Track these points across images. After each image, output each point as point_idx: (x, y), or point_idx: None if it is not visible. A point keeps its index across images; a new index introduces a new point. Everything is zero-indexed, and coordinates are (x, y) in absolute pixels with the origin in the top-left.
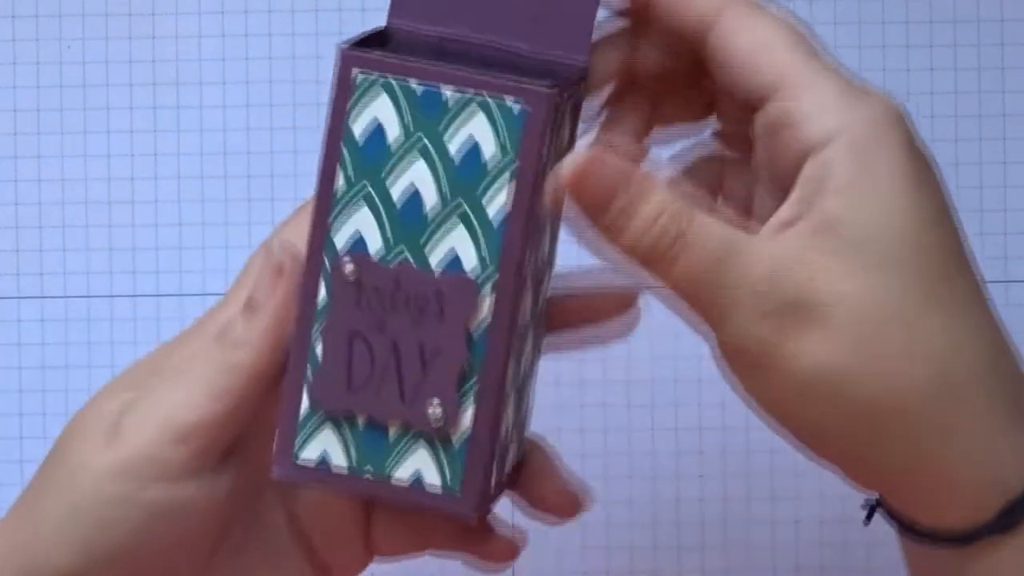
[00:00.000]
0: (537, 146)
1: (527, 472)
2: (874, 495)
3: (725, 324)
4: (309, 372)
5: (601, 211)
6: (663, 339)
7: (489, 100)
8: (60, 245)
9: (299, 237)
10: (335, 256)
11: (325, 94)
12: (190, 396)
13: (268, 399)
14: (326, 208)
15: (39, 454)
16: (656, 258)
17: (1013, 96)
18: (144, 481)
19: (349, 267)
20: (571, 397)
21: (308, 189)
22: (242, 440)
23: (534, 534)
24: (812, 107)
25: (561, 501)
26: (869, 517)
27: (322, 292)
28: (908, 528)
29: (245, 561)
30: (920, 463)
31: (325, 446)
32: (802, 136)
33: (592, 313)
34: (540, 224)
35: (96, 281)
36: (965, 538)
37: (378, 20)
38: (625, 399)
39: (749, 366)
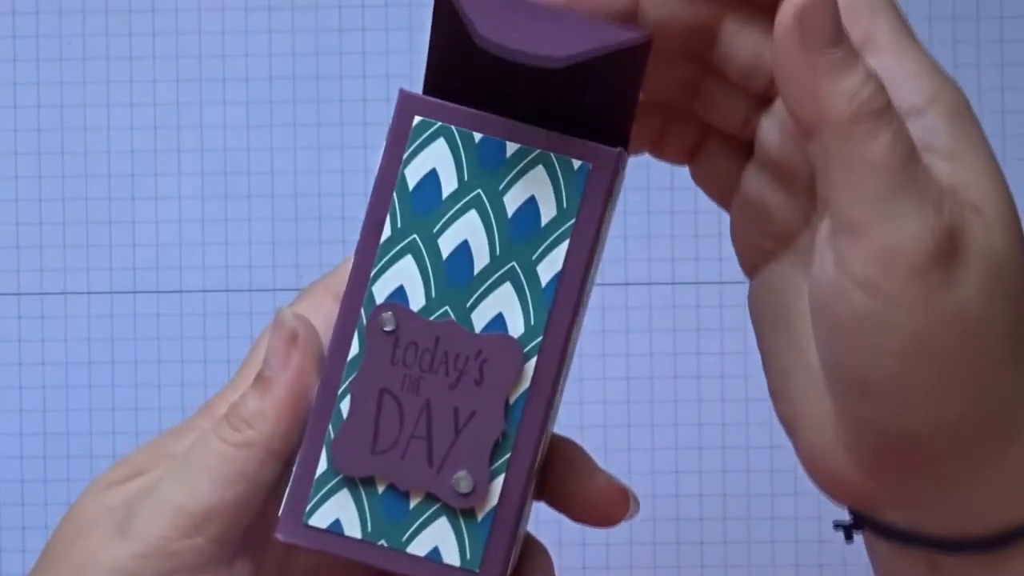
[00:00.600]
0: (599, 207)
1: (562, 473)
2: (843, 511)
3: (895, 221)
4: (331, 431)
5: (830, 44)
6: (663, 336)
7: (552, 156)
8: (60, 241)
9: (313, 313)
10: (375, 307)
11: (324, 90)
12: (201, 482)
13: (284, 479)
14: (370, 257)
15: (38, 451)
16: (863, 118)
17: (1012, 93)
18: (160, 575)
19: (387, 316)
20: (570, 394)
21: (306, 184)
22: (261, 525)
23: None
24: (910, 70)
25: (608, 500)
26: (849, 536)
27: (354, 348)
28: (910, 537)
29: None
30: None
31: (339, 510)
32: (897, 96)
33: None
34: (590, 286)
35: (96, 277)
36: (1002, 540)
37: (378, 16)
38: (624, 396)
39: (905, 269)
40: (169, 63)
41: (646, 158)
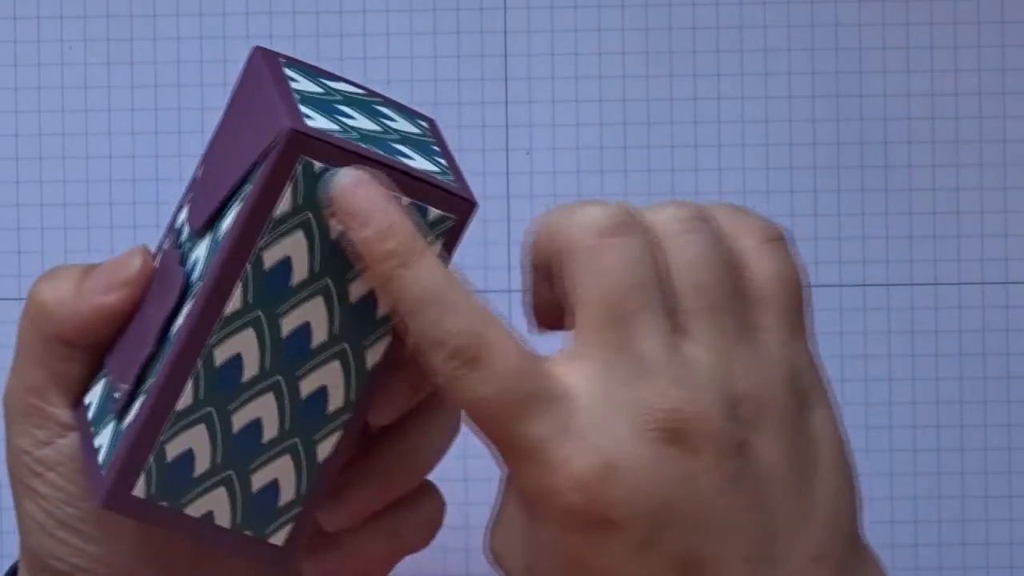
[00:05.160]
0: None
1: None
2: None
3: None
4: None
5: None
6: None
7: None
8: (62, 247)
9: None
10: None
11: None
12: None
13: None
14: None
15: None
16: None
17: (1013, 98)
18: (23, 442)
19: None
20: None
21: None
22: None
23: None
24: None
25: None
26: None
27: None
28: None
29: None
30: None
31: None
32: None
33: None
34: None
35: None
36: None
37: (378, 21)
38: None
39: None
40: (171, 68)
41: (646, 161)
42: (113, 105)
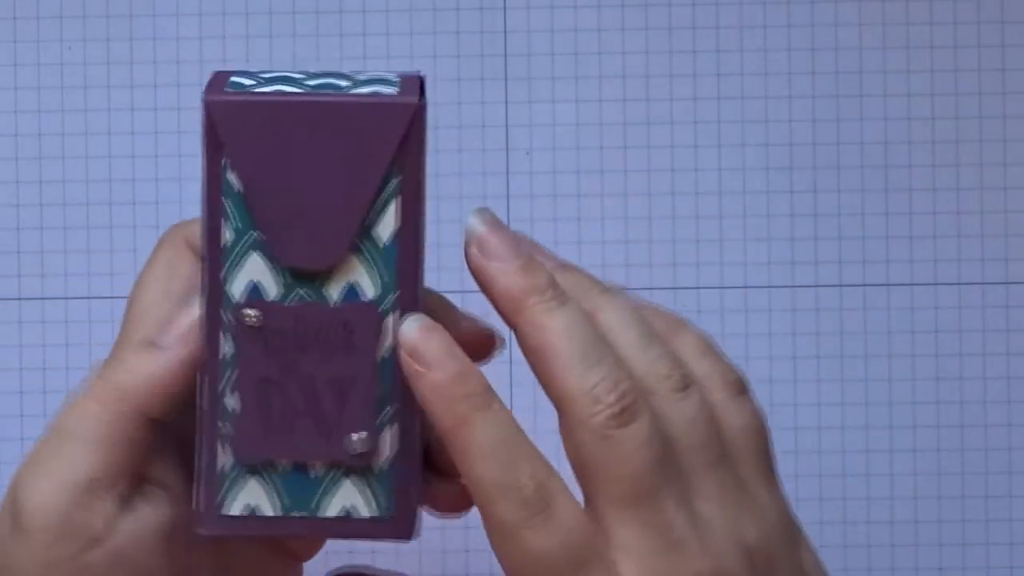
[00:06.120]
0: (417, 157)
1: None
2: None
3: None
4: (225, 426)
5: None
6: None
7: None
8: (61, 247)
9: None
10: (235, 307)
11: None
12: (76, 452)
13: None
14: (217, 261)
15: None
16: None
17: (1013, 98)
18: (62, 545)
19: (251, 313)
20: None
21: None
22: (151, 474)
23: None
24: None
25: (475, 341)
26: None
27: (224, 347)
28: None
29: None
30: None
31: (252, 497)
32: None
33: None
34: (424, 230)
35: (97, 283)
36: None
37: (378, 21)
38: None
39: None
40: (170, 68)
41: (646, 161)
42: (113, 105)
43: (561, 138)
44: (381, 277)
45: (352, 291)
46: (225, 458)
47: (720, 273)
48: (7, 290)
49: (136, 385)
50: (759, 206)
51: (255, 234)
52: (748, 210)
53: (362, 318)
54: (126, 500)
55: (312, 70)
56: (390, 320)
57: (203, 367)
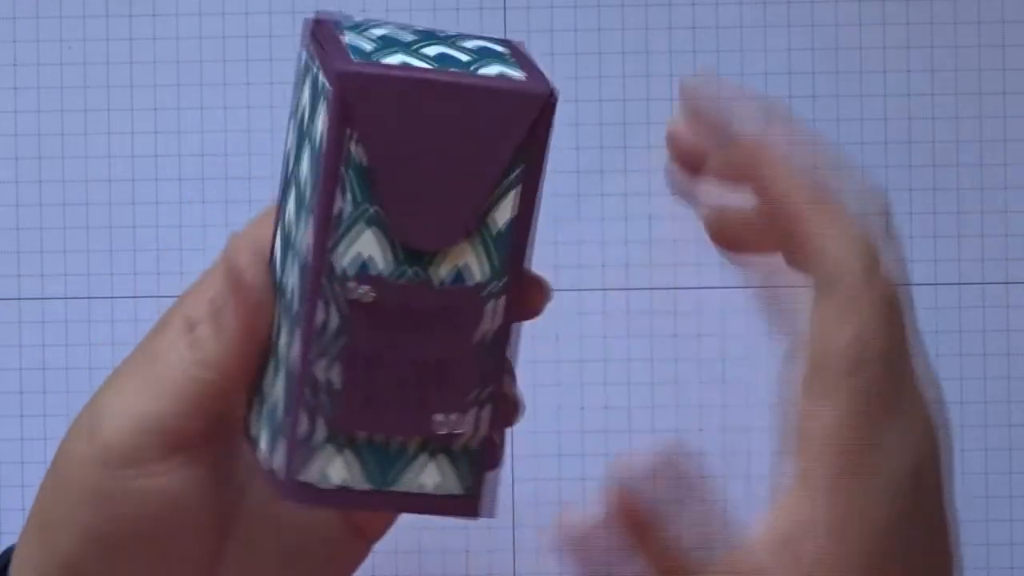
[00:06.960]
0: (543, 147)
1: None
2: None
3: None
4: (316, 395)
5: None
6: (663, 342)
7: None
8: (61, 247)
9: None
10: (344, 279)
11: None
12: (159, 394)
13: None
14: (324, 232)
15: (40, 456)
16: None
17: (1013, 98)
18: (122, 472)
19: (364, 289)
20: (572, 399)
21: None
22: (222, 435)
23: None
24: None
25: (527, 289)
26: None
27: (320, 315)
28: None
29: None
30: None
31: (346, 470)
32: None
33: None
34: (536, 221)
35: (97, 283)
36: None
37: None
38: (625, 401)
39: None
40: (170, 67)
41: (647, 161)
42: (113, 105)
43: (560, 138)
44: (491, 263)
45: (459, 275)
46: (312, 427)
47: (720, 273)
48: (7, 290)
49: (224, 351)
50: None
51: (372, 208)
52: None
53: (465, 302)
54: (180, 452)
55: (407, 25)
56: (490, 306)
57: (302, 337)
